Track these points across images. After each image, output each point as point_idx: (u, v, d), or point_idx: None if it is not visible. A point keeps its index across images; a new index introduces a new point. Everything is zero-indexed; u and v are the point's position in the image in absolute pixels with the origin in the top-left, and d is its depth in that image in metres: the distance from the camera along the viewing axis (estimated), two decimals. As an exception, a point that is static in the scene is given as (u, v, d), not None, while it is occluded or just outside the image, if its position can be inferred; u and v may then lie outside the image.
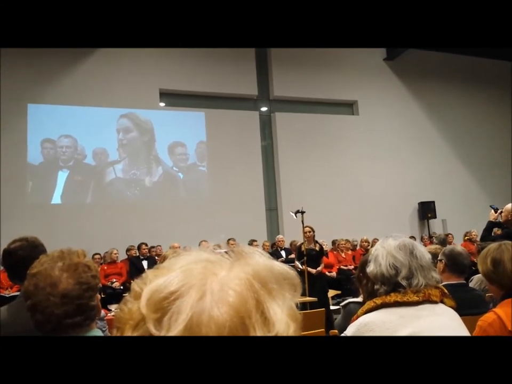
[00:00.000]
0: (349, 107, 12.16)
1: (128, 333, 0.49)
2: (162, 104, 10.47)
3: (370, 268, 1.58)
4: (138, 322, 0.49)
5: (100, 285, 1.40)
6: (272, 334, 0.47)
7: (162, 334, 0.46)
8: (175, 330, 0.46)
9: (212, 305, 0.47)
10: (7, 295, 6.88)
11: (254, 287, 0.49)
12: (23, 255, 1.90)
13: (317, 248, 6.58)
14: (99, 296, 1.38)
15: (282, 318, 0.49)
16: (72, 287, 1.25)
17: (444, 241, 7.40)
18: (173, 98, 10.57)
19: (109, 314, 4.19)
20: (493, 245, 2.07)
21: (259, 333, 0.47)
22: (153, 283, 0.50)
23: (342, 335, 1.52)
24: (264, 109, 11.41)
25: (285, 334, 0.48)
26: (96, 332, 1.32)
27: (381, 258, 1.55)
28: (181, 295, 0.48)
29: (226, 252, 0.55)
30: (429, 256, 1.58)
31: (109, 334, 2.50)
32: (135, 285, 0.52)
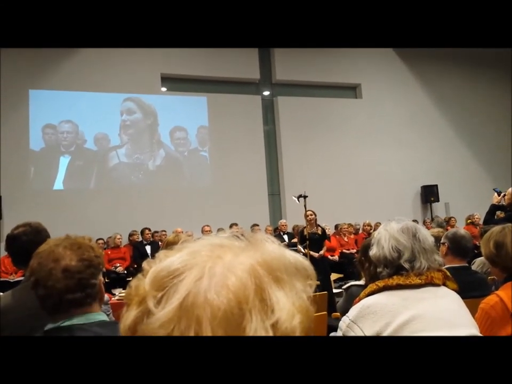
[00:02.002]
0: (352, 90, 12.06)
1: (134, 308, 0.50)
2: (164, 89, 10.40)
3: (373, 251, 1.59)
4: (142, 299, 0.49)
5: (104, 269, 1.41)
6: (271, 321, 0.46)
7: (159, 310, 0.47)
8: (169, 307, 0.46)
9: (210, 287, 0.47)
10: (11, 280, 6.95)
11: (257, 273, 0.49)
12: (27, 240, 1.91)
13: (319, 232, 6.62)
14: (102, 279, 1.39)
15: (286, 307, 0.48)
16: (75, 263, 1.27)
17: (441, 224, 7.40)
18: (175, 83, 10.49)
19: (113, 298, 4.22)
20: (495, 228, 2.07)
21: (255, 318, 0.46)
22: (161, 262, 0.51)
23: (344, 317, 1.53)
24: (266, 93, 11.32)
25: (287, 323, 0.47)
26: (101, 315, 1.34)
27: (384, 241, 1.56)
28: (180, 275, 0.49)
29: (242, 235, 0.55)
30: (431, 239, 1.58)
31: (113, 318, 2.53)
32: (146, 263, 0.53)
